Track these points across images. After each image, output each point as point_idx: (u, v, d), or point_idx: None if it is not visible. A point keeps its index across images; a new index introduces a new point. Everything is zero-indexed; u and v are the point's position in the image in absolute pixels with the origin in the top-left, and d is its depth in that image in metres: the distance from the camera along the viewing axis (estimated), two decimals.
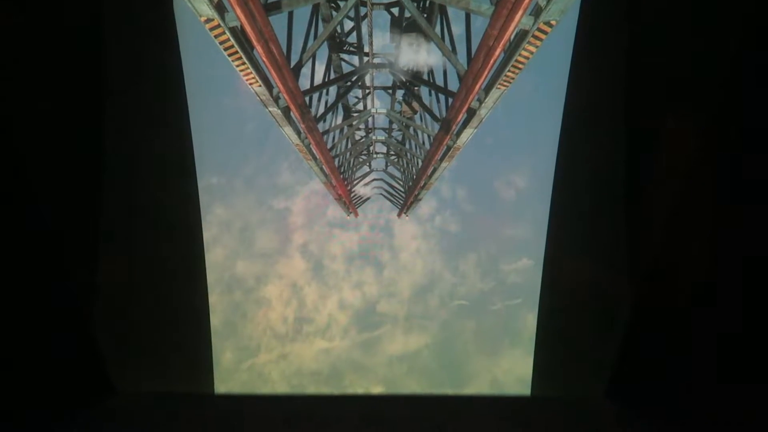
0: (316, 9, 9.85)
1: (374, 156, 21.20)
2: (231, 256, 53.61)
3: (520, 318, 49.72)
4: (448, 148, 11.07)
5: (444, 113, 10.66)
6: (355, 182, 21.37)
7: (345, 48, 12.67)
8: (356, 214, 23.99)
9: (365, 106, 14.96)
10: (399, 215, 23.52)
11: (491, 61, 6.55)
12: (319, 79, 11.39)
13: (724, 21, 1.16)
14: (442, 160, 12.10)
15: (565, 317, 1.94)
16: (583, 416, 1.25)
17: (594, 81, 1.85)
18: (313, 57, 10.70)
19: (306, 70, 10.12)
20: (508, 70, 6.76)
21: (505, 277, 54.22)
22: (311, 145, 11.00)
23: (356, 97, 15.09)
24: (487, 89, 7.74)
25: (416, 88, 12.60)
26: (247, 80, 7.21)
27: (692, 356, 1.21)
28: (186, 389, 1.93)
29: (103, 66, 1.50)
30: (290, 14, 8.48)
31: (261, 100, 8.11)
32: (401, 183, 21.71)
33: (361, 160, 20.81)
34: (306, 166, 13.35)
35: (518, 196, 53.64)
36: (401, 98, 14.38)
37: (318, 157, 12.20)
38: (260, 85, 7.41)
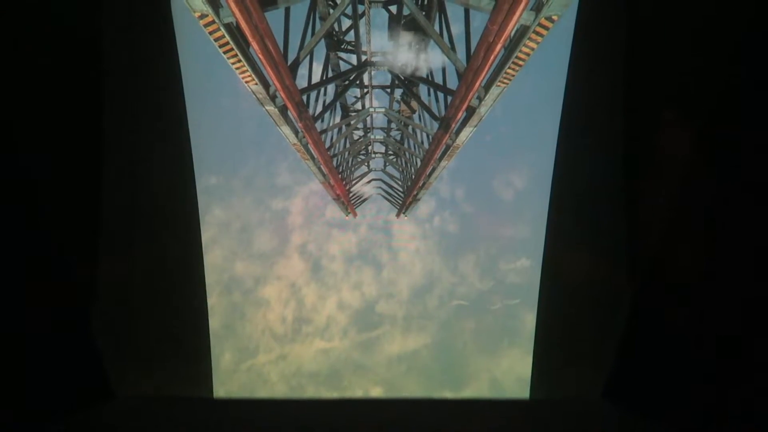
0: (313, 7, 9.75)
1: (373, 156, 21.15)
2: (230, 257, 53.59)
3: (519, 318, 49.85)
4: (448, 147, 10.99)
5: (443, 112, 10.59)
6: (353, 182, 21.29)
7: (343, 47, 12.58)
8: (355, 215, 23.91)
9: (363, 106, 14.89)
10: (398, 215, 23.46)
11: (492, 58, 6.45)
12: (316, 78, 11.31)
13: (723, 20, 1.16)
14: (441, 159, 12.01)
15: (564, 317, 1.93)
16: (581, 417, 1.25)
17: (593, 80, 1.84)
18: (311, 56, 10.63)
19: (304, 71, 10.07)
20: (509, 67, 6.67)
21: (504, 277, 54.31)
22: (309, 145, 10.91)
23: (354, 97, 15.00)
24: (487, 87, 7.64)
25: (415, 87, 12.51)
26: (243, 78, 7.11)
27: (691, 357, 1.20)
28: (185, 391, 1.89)
29: (102, 65, 1.49)
30: (287, 13, 8.39)
31: (258, 98, 8.01)
32: (400, 183, 21.65)
33: (359, 159, 20.75)
34: (304, 167, 13.27)
35: (517, 195, 53.75)
36: (400, 97, 14.31)
37: (316, 156, 12.11)
38: (256, 83, 7.31)
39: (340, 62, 12.94)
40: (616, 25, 1.64)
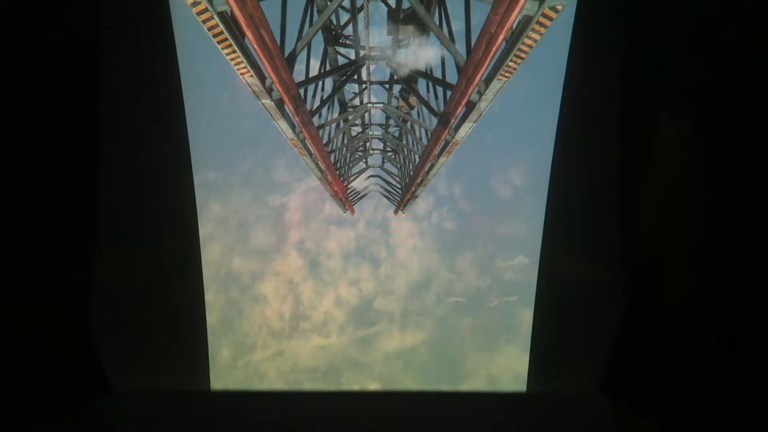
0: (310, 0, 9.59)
1: (371, 152, 21.00)
2: (227, 253, 53.46)
3: (517, 315, 49.80)
4: (447, 143, 10.85)
5: (442, 108, 10.45)
6: (351, 178, 21.14)
7: (341, 41, 12.41)
8: (353, 211, 23.79)
9: (361, 101, 14.73)
10: (396, 212, 23.32)
11: (493, 49, 6.29)
12: (314, 73, 11.14)
13: (722, 20, 1.15)
14: (440, 155, 11.87)
15: (561, 313, 1.96)
16: (577, 411, 1.26)
17: (591, 78, 1.85)
18: (308, 50, 10.46)
19: (301, 67, 9.90)
20: (510, 60, 6.51)
21: (502, 274, 54.15)
22: (306, 140, 10.76)
23: (352, 92, 14.84)
24: (488, 81, 7.50)
25: (414, 83, 12.36)
26: (238, 70, 6.94)
27: (686, 352, 1.21)
28: (182, 387, 1.91)
29: (99, 63, 1.49)
30: (284, 5, 8.22)
31: (253, 91, 7.85)
32: (398, 180, 21.53)
33: (357, 156, 20.61)
34: (302, 163, 13.12)
35: (515, 193, 53.64)
36: (398, 93, 14.17)
37: (313, 152, 11.96)
38: (252, 76, 7.15)
39: (339, 57, 12.77)
40: (615, 24, 1.64)
